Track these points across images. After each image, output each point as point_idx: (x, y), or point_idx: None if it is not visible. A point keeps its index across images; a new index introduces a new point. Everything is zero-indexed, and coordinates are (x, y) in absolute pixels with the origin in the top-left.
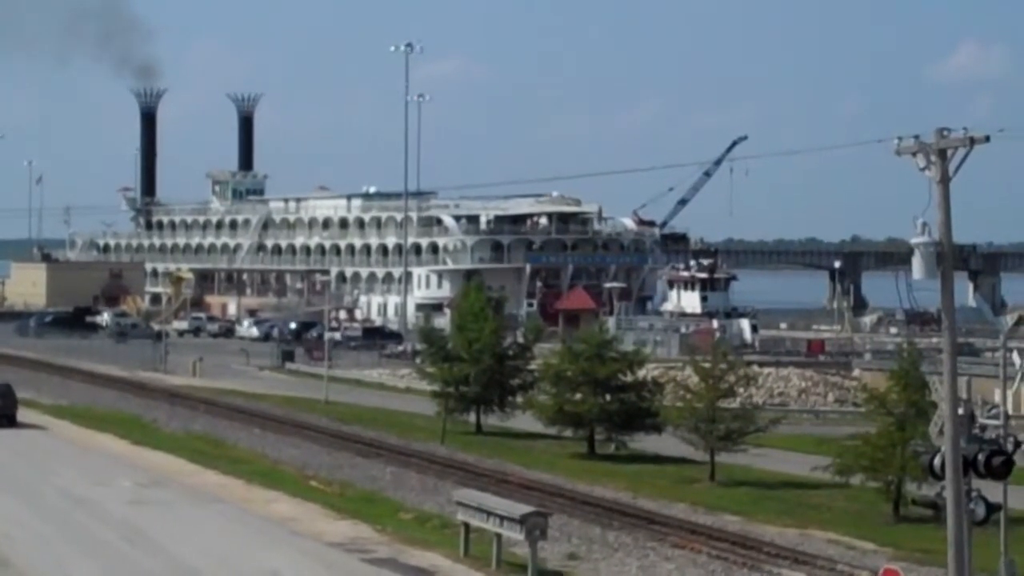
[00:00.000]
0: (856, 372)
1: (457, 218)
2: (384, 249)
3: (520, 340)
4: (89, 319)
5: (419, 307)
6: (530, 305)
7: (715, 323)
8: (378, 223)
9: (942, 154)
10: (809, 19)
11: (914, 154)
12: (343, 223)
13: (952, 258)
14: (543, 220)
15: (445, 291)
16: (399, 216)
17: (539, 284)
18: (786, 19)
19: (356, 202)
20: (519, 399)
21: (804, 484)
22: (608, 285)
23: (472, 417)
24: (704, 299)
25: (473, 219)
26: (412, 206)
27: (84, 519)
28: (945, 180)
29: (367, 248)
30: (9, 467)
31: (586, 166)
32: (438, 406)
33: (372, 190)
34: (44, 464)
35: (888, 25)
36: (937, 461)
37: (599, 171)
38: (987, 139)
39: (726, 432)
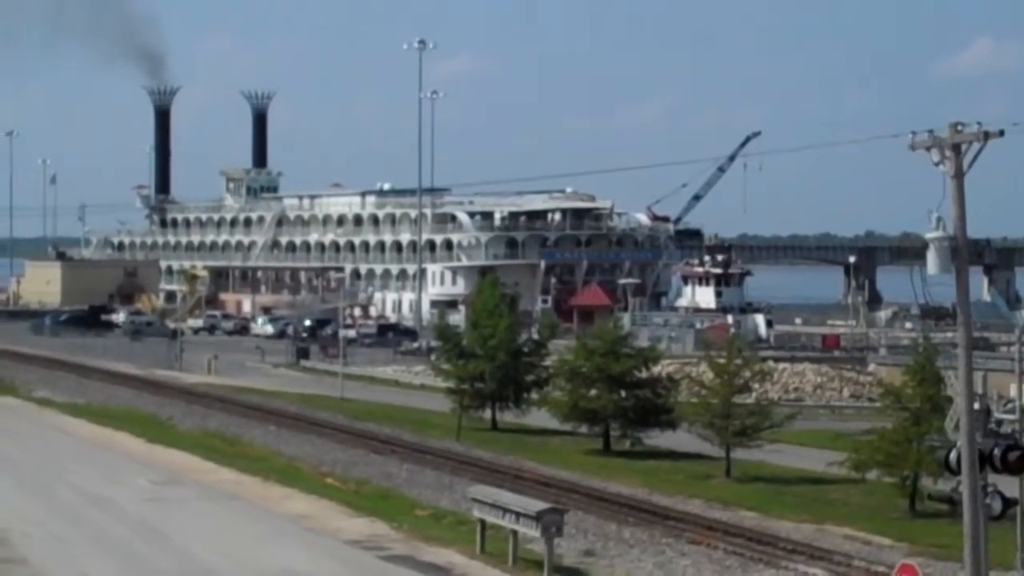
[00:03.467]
0: (871, 367)
1: (471, 215)
2: (398, 246)
3: (535, 337)
4: (104, 317)
5: (434, 304)
6: (545, 301)
7: (730, 318)
8: (392, 220)
9: (956, 149)
10: (823, 13)
11: (928, 149)
12: (357, 220)
13: (967, 253)
14: (557, 216)
15: (460, 288)
16: (413, 213)
17: (553, 280)
18: (799, 13)
19: (370, 199)
20: (534, 395)
21: (820, 479)
22: (623, 281)
23: (487, 414)
24: (719, 295)
25: (487, 215)
26: (426, 203)
27: (100, 517)
28: (959, 175)
29: (381, 245)
30: (26, 465)
31: (600, 163)
32: (453, 403)
33: (386, 187)
34: (60, 462)
35: (902, 19)
36: (953, 456)
37: (613, 167)
38: (1001, 133)
39: (741, 428)
